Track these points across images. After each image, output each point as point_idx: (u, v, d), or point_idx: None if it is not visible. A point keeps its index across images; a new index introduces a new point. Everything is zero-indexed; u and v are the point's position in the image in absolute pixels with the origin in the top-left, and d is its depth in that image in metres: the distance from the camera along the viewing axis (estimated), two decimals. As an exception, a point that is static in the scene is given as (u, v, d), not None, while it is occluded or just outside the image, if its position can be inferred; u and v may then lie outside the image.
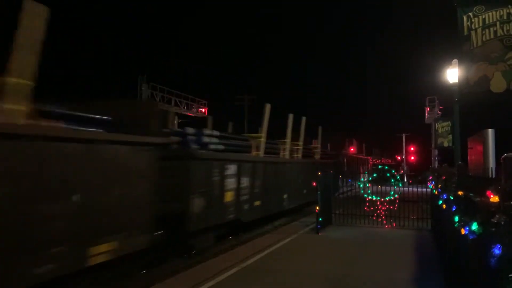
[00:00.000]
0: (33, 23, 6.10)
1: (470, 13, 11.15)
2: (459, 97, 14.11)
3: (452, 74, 14.95)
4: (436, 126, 33.45)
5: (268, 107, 16.25)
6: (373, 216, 14.28)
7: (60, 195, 6.28)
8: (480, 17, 11.03)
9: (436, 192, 12.09)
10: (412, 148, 59.01)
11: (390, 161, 71.58)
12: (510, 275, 2.60)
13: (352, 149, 43.71)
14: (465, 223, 4.64)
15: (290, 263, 9.07)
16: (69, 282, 6.61)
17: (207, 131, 12.18)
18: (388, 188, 15.54)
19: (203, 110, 31.22)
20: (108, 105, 8.52)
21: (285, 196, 17.07)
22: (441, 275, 7.77)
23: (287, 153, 18.42)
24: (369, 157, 52.86)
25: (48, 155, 6.10)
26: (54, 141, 6.18)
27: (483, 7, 11.03)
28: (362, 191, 15.94)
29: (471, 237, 4.15)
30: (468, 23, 11.17)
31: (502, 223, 3.34)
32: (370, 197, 15.29)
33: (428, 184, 16.34)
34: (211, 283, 7.47)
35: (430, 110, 36.92)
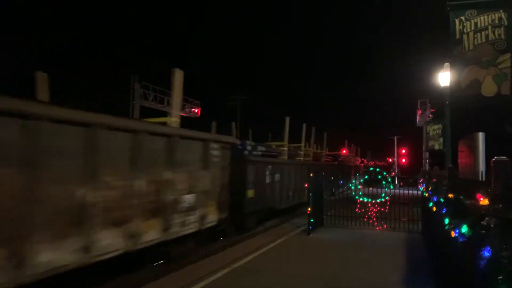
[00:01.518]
0: (179, 82, 11.61)
1: (462, 17, 11.23)
2: (451, 100, 14.23)
3: (444, 78, 15.06)
4: (428, 129, 33.63)
5: (287, 120, 21.76)
6: (364, 218, 14.33)
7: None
8: (472, 21, 11.11)
9: (426, 195, 12.15)
10: (403, 151, 59.30)
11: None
12: (499, 278, 2.61)
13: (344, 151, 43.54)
14: (455, 225, 4.65)
15: (281, 265, 9.06)
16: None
17: (249, 142, 16.65)
18: (379, 190, 15.60)
19: (196, 110, 31.09)
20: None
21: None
22: (431, 277, 7.81)
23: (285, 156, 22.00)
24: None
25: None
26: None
27: (475, 11, 11.12)
28: (353, 193, 15.98)
29: (461, 240, 4.17)
30: (460, 27, 11.26)
31: (492, 225, 3.36)
32: (361, 199, 15.36)
33: (419, 186, 16.42)
34: (202, 284, 7.44)
35: (422, 113, 37.13)
